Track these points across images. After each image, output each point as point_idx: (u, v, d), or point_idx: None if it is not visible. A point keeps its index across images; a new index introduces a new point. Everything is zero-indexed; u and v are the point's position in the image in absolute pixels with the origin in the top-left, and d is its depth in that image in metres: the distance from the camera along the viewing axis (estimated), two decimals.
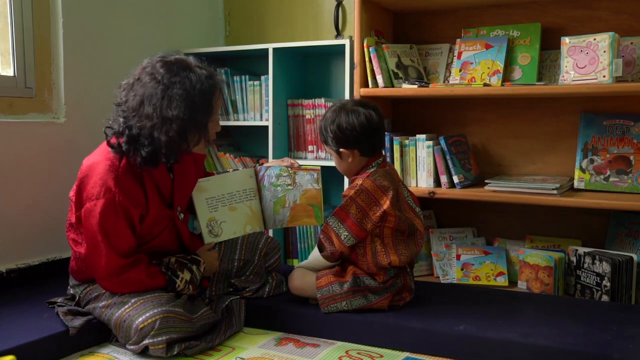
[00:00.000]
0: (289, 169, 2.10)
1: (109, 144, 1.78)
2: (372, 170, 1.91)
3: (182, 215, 1.98)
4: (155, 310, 1.70)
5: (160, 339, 1.67)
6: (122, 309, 1.75)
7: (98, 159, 1.78)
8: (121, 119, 1.77)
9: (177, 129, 1.72)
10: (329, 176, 2.68)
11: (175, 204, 1.93)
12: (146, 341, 1.67)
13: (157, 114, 1.70)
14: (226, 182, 2.10)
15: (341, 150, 1.91)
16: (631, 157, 2.22)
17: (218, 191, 2.07)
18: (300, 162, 2.58)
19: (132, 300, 1.75)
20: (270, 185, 2.12)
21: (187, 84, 1.73)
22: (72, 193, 1.86)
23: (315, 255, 1.95)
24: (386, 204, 1.83)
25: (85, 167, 1.80)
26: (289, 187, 2.10)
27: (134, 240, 1.81)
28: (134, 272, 1.77)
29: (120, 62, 2.58)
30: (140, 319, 1.69)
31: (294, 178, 2.10)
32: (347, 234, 1.86)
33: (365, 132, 1.88)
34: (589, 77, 2.05)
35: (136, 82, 1.76)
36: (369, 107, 1.91)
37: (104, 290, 1.82)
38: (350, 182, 1.93)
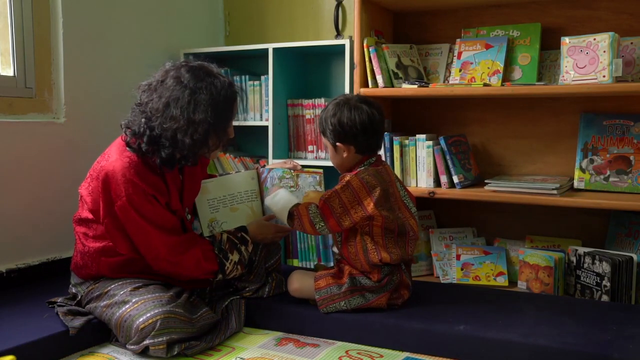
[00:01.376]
0: (292, 171, 2.11)
1: (127, 144, 1.82)
2: (362, 168, 1.90)
3: (189, 216, 2.04)
4: (156, 311, 1.70)
5: (160, 339, 1.68)
6: (123, 308, 1.75)
7: (115, 158, 1.81)
8: (142, 120, 1.80)
9: (202, 132, 1.77)
10: (329, 176, 2.68)
11: (184, 204, 1.97)
12: (147, 341, 1.68)
13: (183, 117, 1.75)
14: (228, 183, 2.11)
15: (337, 144, 1.91)
16: (631, 157, 2.22)
17: (220, 192, 2.08)
18: (300, 162, 2.58)
19: (133, 300, 1.76)
20: (272, 187, 2.12)
21: (212, 89, 1.79)
22: (84, 191, 1.89)
23: (282, 219, 1.94)
24: (370, 206, 1.83)
25: (104, 169, 1.81)
26: (292, 189, 2.10)
27: (175, 218, 1.88)
28: (192, 253, 1.85)
29: (121, 62, 2.58)
30: (140, 319, 1.69)
31: (297, 180, 2.10)
32: (322, 225, 1.86)
33: (365, 131, 1.87)
34: (589, 77, 2.05)
35: (159, 84, 1.80)
36: (373, 106, 1.90)
37: (105, 290, 1.83)
38: (340, 179, 1.92)
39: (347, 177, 1.88)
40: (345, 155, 1.91)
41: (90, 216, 1.87)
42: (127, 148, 1.82)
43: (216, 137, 1.85)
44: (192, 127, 1.76)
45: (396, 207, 1.90)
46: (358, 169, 1.91)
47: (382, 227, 1.86)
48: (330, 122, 1.89)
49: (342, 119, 1.87)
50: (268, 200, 2.00)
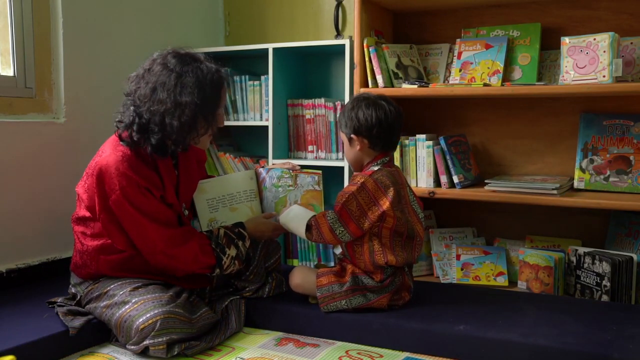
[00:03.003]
0: (291, 171, 2.11)
1: (120, 138, 1.84)
2: (376, 168, 1.90)
3: (186, 212, 2.04)
4: (156, 311, 1.70)
5: (160, 339, 1.68)
6: (123, 309, 1.75)
7: (108, 153, 1.82)
8: (131, 108, 1.82)
9: (189, 114, 1.78)
10: (329, 177, 2.68)
11: (180, 200, 1.97)
12: (147, 342, 1.68)
13: (170, 99, 1.77)
14: (227, 183, 2.11)
15: (352, 136, 1.92)
16: (631, 157, 2.22)
17: (219, 192, 2.09)
18: (300, 162, 2.59)
19: (133, 301, 1.76)
20: (272, 187, 2.13)
21: (199, 73, 1.81)
22: (80, 189, 1.90)
23: (299, 231, 1.93)
24: (385, 204, 1.83)
25: (98, 164, 1.82)
26: (290, 188, 2.11)
27: (171, 211, 1.89)
28: (189, 245, 1.85)
29: (121, 62, 2.58)
30: (140, 320, 1.69)
31: (296, 180, 2.11)
32: (342, 229, 1.85)
33: (381, 126, 1.89)
34: (589, 77, 2.05)
35: (147, 72, 1.82)
36: (391, 104, 1.94)
37: (105, 290, 1.83)
38: (352, 179, 1.93)
39: (360, 178, 1.87)
40: (358, 148, 1.92)
41: (87, 214, 1.87)
42: (121, 142, 1.83)
43: (204, 121, 1.85)
44: (179, 109, 1.77)
45: (406, 210, 1.90)
46: (371, 168, 1.91)
47: (391, 229, 1.86)
48: (348, 115, 1.93)
49: (359, 112, 1.90)
50: (282, 218, 1.99)
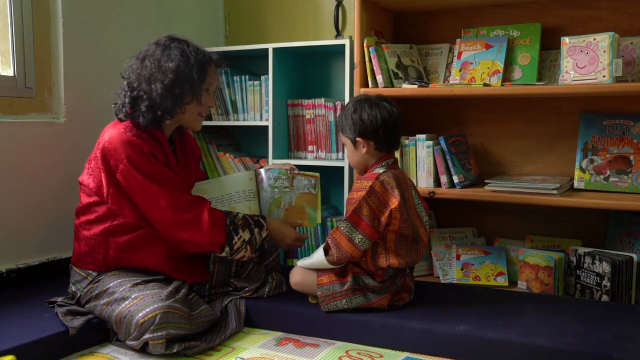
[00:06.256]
0: (288, 172, 2.12)
1: (117, 117, 1.94)
2: (382, 170, 1.89)
3: None
4: (156, 305, 1.71)
5: (160, 333, 1.68)
6: (123, 304, 1.76)
7: (109, 131, 1.90)
8: (125, 83, 1.93)
9: (172, 78, 1.87)
10: (329, 176, 2.68)
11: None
12: (146, 336, 1.68)
13: (154, 65, 1.88)
14: (226, 184, 2.12)
15: (357, 139, 1.91)
16: (631, 157, 2.22)
17: (217, 192, 2.09)
18: (300, 162, 2.59)
19: (133, 296, 1.76)
20: (268, 187, 2.13)
21: (184, 46, 1.93)
22: (84, 176, 1.93)
23: (319, 259, 1.91)
24: (394, 204, 1.83)
25: (100, 144, 1.88)
26: (286, 189, 2.11)
27: (178, 178, 1.94)
28: (199, 212, 1.87)
29: (120, 62, 2.55)
30: (140, 314, 1.70)
31: (292, 181, 2.11)
32: (361, 237, 1.84)
33: (386, 126, 1.89)
34: (589, 77, 2.05)
35: (141, 53, 1.95)
36: (392, 104, 1.94)
37: (105, 288, 1.84)
38: (356, 183, 1.91)
39: (367, 181, 1.86)
40: (364, 150, 1.92)
41: (92, 199, 1.90)
42: (119, 119, 1.93)
43: (189, 91, 1.91)
44: (162, 73, 1.87)
45: (411, 212, 1.89)
46: (376, 170, 1.91)
47: (397, 232, 1.85)
48: (352, 117, 1.91)
49: (363, 114, 1.89)
50: (301, 262, 1.97)
